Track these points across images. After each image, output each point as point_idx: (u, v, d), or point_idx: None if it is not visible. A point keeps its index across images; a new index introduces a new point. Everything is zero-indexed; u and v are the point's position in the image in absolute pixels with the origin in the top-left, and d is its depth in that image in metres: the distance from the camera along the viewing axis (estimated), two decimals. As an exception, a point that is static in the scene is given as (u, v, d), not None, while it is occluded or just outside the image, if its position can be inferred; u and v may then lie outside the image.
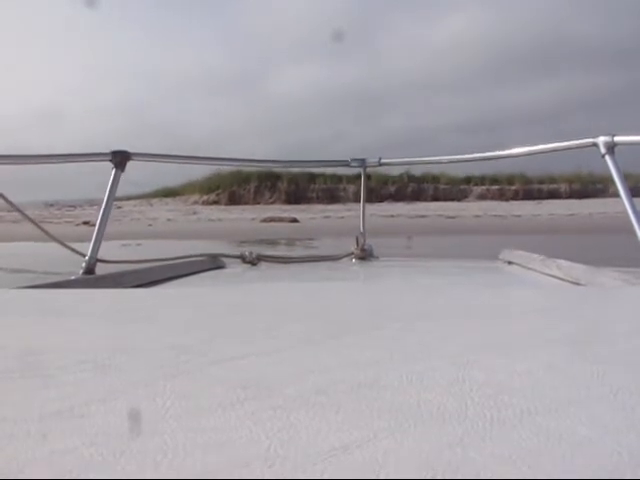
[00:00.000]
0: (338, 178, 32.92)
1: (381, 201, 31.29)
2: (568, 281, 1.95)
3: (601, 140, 2.18)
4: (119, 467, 0.38)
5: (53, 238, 2.31)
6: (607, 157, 2.16)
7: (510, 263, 2.64)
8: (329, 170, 32.73)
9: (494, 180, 34.73)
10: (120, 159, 2.40)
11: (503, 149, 2.79)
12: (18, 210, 2.36)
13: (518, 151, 2.73)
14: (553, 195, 33.55)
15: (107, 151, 2.40)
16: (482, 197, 34.03)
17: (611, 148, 2.16)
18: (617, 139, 2.15)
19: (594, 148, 2.23)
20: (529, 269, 2.36)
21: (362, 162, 3.10)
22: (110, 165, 2.39)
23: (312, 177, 34.04)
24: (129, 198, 34.40)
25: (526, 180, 34.54)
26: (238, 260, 2.70)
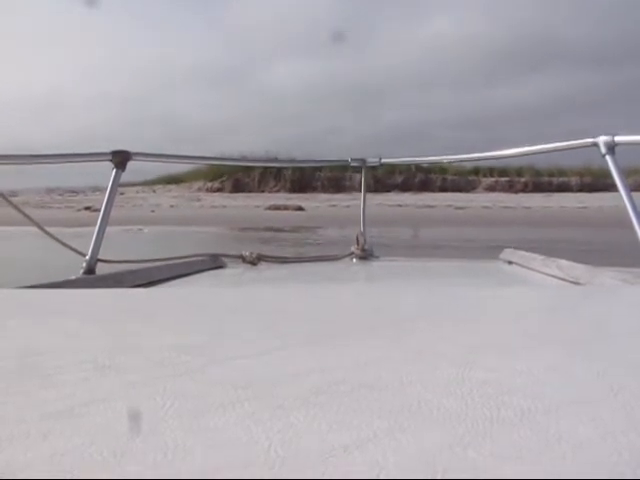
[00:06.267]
0: (344, 167, 32.39)
1: (388, 191, 30.88)
2: (568, 281, 1.96)
3: (601, 140, 2.15)
4: (119, 467, 0.38)
5: (53, 237, 2.25)
6: (608, 157, 2.13)
7: (510, 263, 2.66)
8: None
9: (503, 172, 34.27)
10: (120, 159, 2.36)
11: (501, 147, 2.80)
12: (18, 209, 2.28)
13: (518, 151, 2.72)
14: (563, 188, 33.07)
15: (107, 151, 2.36)
16: (490, 189, 33.57)
17: (612, 148, 2.13)
18: (618, 139, 2.12)
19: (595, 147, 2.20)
20: (529, 269, 2.38)
21: (362, 162, 3.08)
22: (110, 164, 2.36)
23: (317, 165, 33.59)
24: (133, 185, 34.09)
25: (535, 172, 34.06)
26: (238, 260, 2.70)
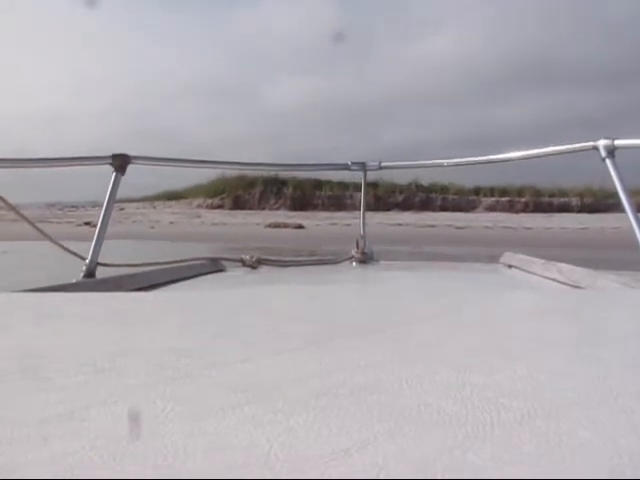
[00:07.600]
0: (345, 186, 32.35)
1: (388, 210, 30.80)
2: (568, 284, 1.96)
3: (601, 143, 2.18)
4: (119, 470, 0.38)
5: (53, 241, 2.26)
6: (607, 161, 2.16)
7: (510, 267, 2.64)
8: (335, 177, 32.27)
9: (503, 192, 34.22)
10: (120, 162, 2.37)
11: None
12: (17, 213, 2.31)
13: (519, 154, 2.73)
14: (564, 209, 32.98)
15: (107, 154, 2.38)
16: (491, 208, 33.49)
17: (611, 152, 2.16)
18: (617, 142, 2.15)
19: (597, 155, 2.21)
20: (529, 272, 2.38)
21: (362, 166, 3.12)
22: (110, 169, 2.37)
23: (318, 184, 33.62)
24: (132, 200, 34.04)
25: (536, 192, 34.01)
26: (238, 263, 2.69)
